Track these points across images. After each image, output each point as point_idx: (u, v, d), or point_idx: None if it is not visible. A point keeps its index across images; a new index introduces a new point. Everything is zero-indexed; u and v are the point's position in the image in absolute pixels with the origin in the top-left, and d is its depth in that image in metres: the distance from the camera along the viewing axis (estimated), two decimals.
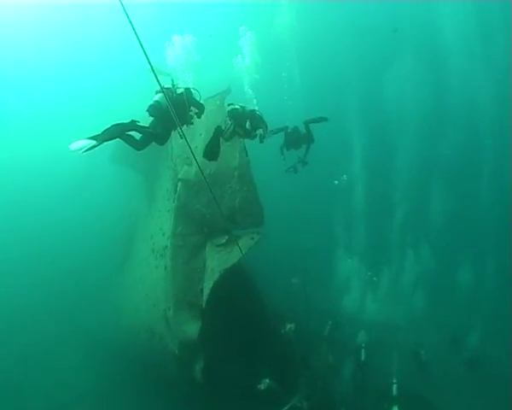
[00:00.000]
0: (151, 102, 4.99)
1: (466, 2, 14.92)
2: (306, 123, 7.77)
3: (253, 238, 7.16)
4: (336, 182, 15.27)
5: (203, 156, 6.37)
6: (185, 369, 7.11)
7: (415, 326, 11.20)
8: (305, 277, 11.38)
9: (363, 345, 9.79)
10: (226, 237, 7.24)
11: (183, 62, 5.47)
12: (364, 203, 15.47)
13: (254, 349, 7.69)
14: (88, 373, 10.97)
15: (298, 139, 7.73)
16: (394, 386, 8.53)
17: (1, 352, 11.41)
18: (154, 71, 3.24)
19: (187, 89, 5.33)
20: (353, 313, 11.45)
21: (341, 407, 8.28)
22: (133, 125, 4.75)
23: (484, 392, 9.29)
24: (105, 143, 4.38)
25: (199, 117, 5.69)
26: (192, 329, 6.88)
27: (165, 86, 5.01)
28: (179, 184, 7.46)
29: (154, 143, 5.19)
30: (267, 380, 6.73)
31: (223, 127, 6.34)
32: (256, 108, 6.55)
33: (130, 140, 4.85)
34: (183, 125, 5.30)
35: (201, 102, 5.58)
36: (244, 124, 6.33)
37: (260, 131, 6.61)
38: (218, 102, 7.80)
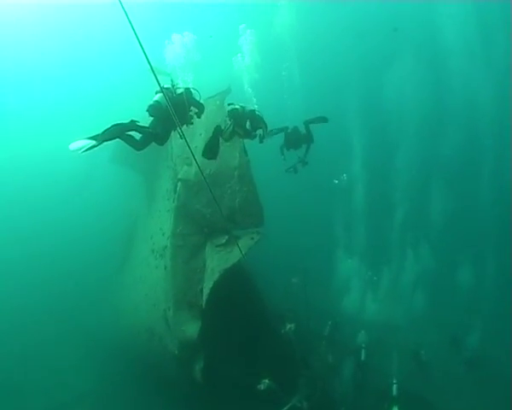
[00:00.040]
0: (151, 102, 4.98)
1: (466, 3, 14.92)
2: (306, 123, 7.76)
3: (252, 238, 7.16)
4: (336, 181, 15.27)
5: (202, 155, 6.37)
6: (185, 369, 7.10)
7: (415, 326, 11.19)
8: (305, 277, 11.38)
9: (363, 345, 9.80)
10: (226, 237, 7.24)
11: (183, 61, 5.47)
12: (364, 203, 15.46)
13: (254, 349, 7.69)
14: (88, 373, 10.96)
15: (298, 139, 7.72)
16: (394, 386, 8.53)
17: (1, 352, 11.41)
18: (153, 71, 3.24)
19: (187, 89, 5.33)
20: (353, 313, 11.44)
21: (341, 407, 8.28)
22: (133, 125, 4.75)
23: (484, 392, 9.29)
24: (105, 143, 4.38)
25: (199, 117, 5.69)
26: (192, 329, 6.88)
27: (165, 86, 5.01)
28: (179, 184, 7.46)
29: (153, 143, 5.19)
30: (267, 380, 6.72)
31: (222, 127, 6.34)
32: (256, 108, 6.55)
33: (129, 140, 4.85)
34: (182, 125, 5.30)
35: (201, 101, 5.58)
36: (244, 124, 6.33)
37: (260, 131, 6.61)
38: (217, 102, 7.79)
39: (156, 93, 5.03)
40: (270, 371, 6.98)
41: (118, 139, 4.62)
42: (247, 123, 6.37)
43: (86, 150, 4.20)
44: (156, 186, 9.81)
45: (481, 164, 15.86)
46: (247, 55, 6.99)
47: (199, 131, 7.22)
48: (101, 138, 4.32)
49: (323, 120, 7.79)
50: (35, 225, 17.30)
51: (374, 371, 9.44)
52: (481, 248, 14.06)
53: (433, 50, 16.47)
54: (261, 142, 6.80)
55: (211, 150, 6.32)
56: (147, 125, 5.02)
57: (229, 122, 6.26)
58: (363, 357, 9.58)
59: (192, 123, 5.56)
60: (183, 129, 4.79)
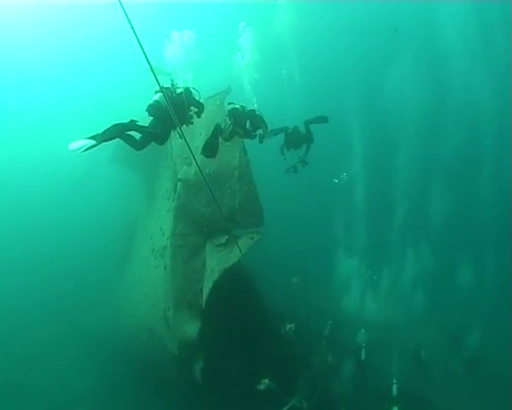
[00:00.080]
0: (150, 102, 4.99)
1: (466, 2, 14.92)
2: (306, 123, 7.76)
3: (252, 238, 7.15)
4: (336, 180, 15.27)
5: (201, 153, 6.37)
6: (185, 369, 7.10)
7: (415, 326, 11.19)
8: (305, 277, 11.38)
9: (363, 345, 9.79)
10: (226, 236, 7.23)
11: (183, 60, 5.47)
12: (364, 203, 15.46)
13: (254, 349, 7.69)
14: (88, 373, 10.96)
15: (298, 139, 7.72)
16: (394, 386, 8.52)
17: (1, 352, 11.41)
18: (153, 71, 3.24)
19: (186, 88, 5.33)
20: (353, 313, 11.44)
21: (341, 407, 8.27)
22: (133, 125, 4.75)
23: (484, 392, 9.29)
24: (104, 143, 4.39)
25: (198, 117, 5.69)
26: (191, 329, 6.87)
27: (165, 86, 5.01)
28: (179, 183, 7.45)
29: (153, 143, 5.19)
30: (267, 380, 6.72)
31: (222, 126, 6.34)
32: (256, 108, 6.55)
33: (129, 140, 4.85)
34: (182, 124, 5.30)
35: (201, 101, 5.58)
36: (244, 124, 6.33)
37: (260, 131, 6.61)
38: (217, 102, 7.79)
39: (156, 93, 5.03)
40: (269, 371, 6.97)
41: (117, 139, 4.62)
42: (248, 123, 6.38)
43: (85, 150, 4.21)
44: (156, 186, 9.81)
45: (481, 164, 15.85)
46: (247, 54, 6.99)
47: (199, 131, 7.21)
48: (101, 138, 4.33)
49: (323, 120, 7.79)
50: (35, 225, 17.29)
51: (374, 371, 9.44)
52: (481, 248, 14.06)
53: (433, 50, 16.47)
54: (261, 142, 6.80)
55: (210, 149, 6.32)
56: (146, 124, 5.02)
57: (229, 122, 6.26)
58: (363, 357, 9.58)
59: (192, 123, 5.57)
60: (182, 129, 4.79)
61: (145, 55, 3.02)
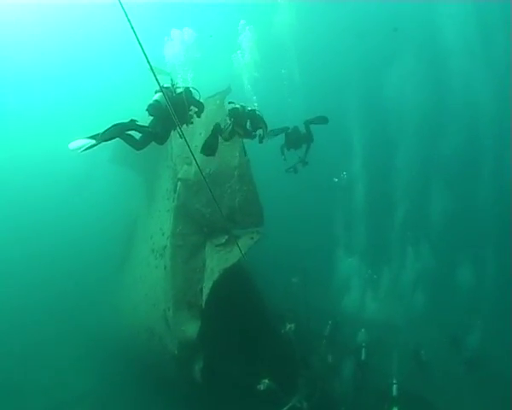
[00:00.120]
0: (150, 102, 4.99)
1: (466, 2, 14.92)
2: (307, 123, 7.76)
3: (252, 238, 7.15)
4: (336, 179, 15.26)
5: (200, 152, 6.37)
6: (184, 369, 7.09)
7: (415, 326, 11.19)
8: (305, 277, 11.38)
9: (363, 344, 9.79)
10: (226, 236, 7.23)
11: (183, 59, 5.47)
12: (364, 202, 15.46)
13: (254, 349, 7.68)
14: (88, 373, 10.96)
15: (298, 139, 7.72)
16: (394, 387, 8.52)
17: (1, 351, 11.41)
18: (153, 70, 3.24)
19: (186, 88, 5.33)
20: (353, 313, 11.44)
21: (341, 407, 8.27)
22: (133, 125, 4.75)
23: (484, 392, 9.29)
24: (104, 142, 4.39)
25: (199, 116, 5.69)
26: (191, 329, 6.87)
27: (165, 86, 5.01)
28: (179, 183, 7.45)
29: (153, 142, 5.19)
30: (266, 380, 6.71)
31: (222, 126, 6.34)
32: (256, 108, 6.55)
33: (129, 140, 4.85)
34: (182, 124, 5.30)
35: (201, 101, 5.58)
36: (244, 124, 6.33)
37: (260, 131, 6.61)
38: (217, 102, 7.79)
39: (156, 92, 5.03)
40: (269, 371, 6.97)
41: (118, 139, 4.63)
42: (248, 123, 6.37)
43: (85, 150, 4.21)
44: (156, 186, 9.81)
45: (481, 164, 15.86)
46: (247, 52, 6.99)
47: (199, 131, 7.21)
48: (101, 138, 4.33)
49: (324, 120, 7.78)
50: (35, 225, 17.30)
51: (374, 371, 9.43)
52: (481, 248, 14.06)
53: (433, 50, 16.47)
54: (260, 142, 6.80)
55: (209, 147, 6.31)
56: (146, 124, 5.02)
57: (229, 121, 6.26)
58: (363, 357, 9.57)
59: (192, 122, 5.57)
60: (182, 128, 4.79)
61: (145, 54, 3.02)
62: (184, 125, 5.40)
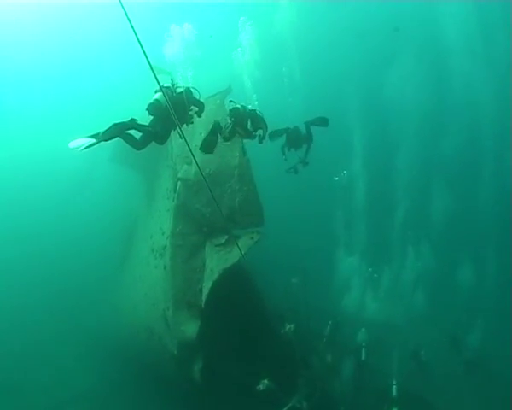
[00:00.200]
0: (151, 101, 4.98)
1: (467, 2, 14.91)
2: (307, 124, 7.74)
3: (252, 238, 7.14)
4: (336, 178, 15.24)
5: (199, 149, 6.36)
6: (184, 369, 7.09)
7: (415, 326, 11.18)
8: (305, 277, 11.37)
9: (363, 344, 9.78)
10: (226, 236, 7.22)
11: (183, 57, 5.45)
12: (365, 202, 15.46)
13: (253, 349, 7.67)
14: (87, 372, 10.96)
15: (298, 139, 7.71)
16: (394, 387, 8.50)
17: (1, 351, 11.41)
18: (153, 70, 3.23)
19: (187, 88, 5.32)
20: (353, 313, 11.43)
21: (341, 407, 8.26)
22: (133, 124, 4.74)
23: (484, 392, 9.28)
24: (104, 142, 4.38)
25: (199, 116, 5.68)
26: (191, 329, 6.86)
27: (165, 85, 5.00)
28: (179, 183, 7.44)
29: (153, 142, 5.18)
30: (266, 381, 6.70)
31: (222, 125, 6.33)
32: (257, 108, 6.54)
33: (129, 139, 4.85)
34: (182, 124, 5.30)
35: (201, 100, 5.57)
36: (245, 124, 6.32)
37: (260, 131, 6.60)
38: (218, 102, 7.78)
39: (156, 92, 5.02)
40: (269, 371, 6.96)
41: (118, 139, 4.62)
42: (249, 123, 6.37)
43: (85, 148, 4.21)
44: (156, 185, 9.80)
45: (482, 163, 15.85)
46: (248, 49, 6.98)
47: (199, 131, 7.20)
48: (102, 137, 4.33)
49: (324, 122, 7.76)
50: (35, 224, 17.31)
51: (374, 370, 9.43)
52: (482, 248, 14.06)
53: (433, 50, 16.47)
54: (260, 142, 6.79)
55: (208, 145, 6.31)
56: (147, 123, 5.01)
57: (230, 121, 6.26)
58: (363, 356, 9.56)
59: (192, 122, 5.56)
60: (182, 128, 4.79)
61: (145, 54, 3.01)
62: (184, 125, 5.39)
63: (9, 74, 19.37)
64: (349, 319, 10.98)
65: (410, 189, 14.91)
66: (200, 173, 5.29)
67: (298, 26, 12.40)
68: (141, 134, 4.96)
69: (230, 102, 6.38)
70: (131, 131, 4.83)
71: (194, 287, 7.11)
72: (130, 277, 10.19)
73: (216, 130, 6.27)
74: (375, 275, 13.17)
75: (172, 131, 5.25)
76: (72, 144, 4.23)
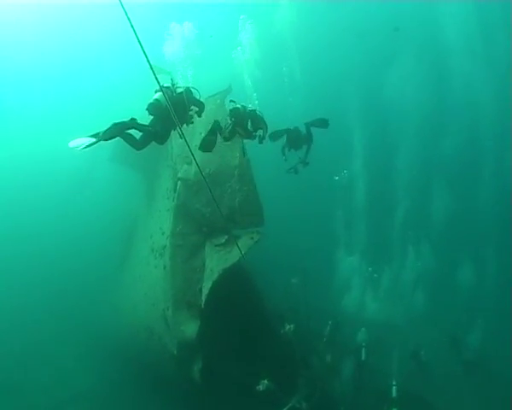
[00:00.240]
0: (151, 101, 4.98)
1: (467, 2, 14.90)
2: (307, 125, 7.74)
3: (252, 238, 7.13)
4: (337, 178, 15.24)
5: (198, 148, 6.36)
6: (183, 369, 7.08)
7: (415, 326, 11.18)
8: (305, 277, 11.36)
9: (363, 344, 9.78)
10: (226, 236, 7.22)
11: (183, 55, 5.45)
12: (365, 202, 15.46)
13: (253, 350, 7.67)
14: (87, 372, 10.96)
15: (298, 139, 7.71)
16: (394, 388, 8.50)
17: (1, 350, 11.42)
18: (153, 70, 3.23)
19: (187, 88, 5.32)
20: (354, 313, 11.43)
21: (341, 407, 8.26)
22: (133, 124, 4.74)
23: (484, 392, 9.28)
24: (104, 141, 4.38)
25: (199, 116, 5.69)
26: (191, 329, 6.86)
27: (165, 85, 5.00)
28: (179, 183, 7.44)
29: (153, 142, 5.18)
30: (266, 381, 6.69)
31: (222, 125, 6.33)
32: (257, 108, 6.54)
33: (129, 139, 4.84)
34: (182, 124, 5.29)
35: (201, 100, 5.57)
36: (246, 124, 6.32)
37: (260, 132, 6.60)
38: (218, 101, 7.78)
39: (156, 92, 5.02)
40: (269, 371, 6.96)
41: (118, 138, 4.62)
42: (249, 123, 6.36)
43: (85, 148, 4.21)
44: (156, 185, 9.80)
45: (482, 163, 15.86)
46: (248, 48, 6.97)
47: (199, 130, 7.20)
48: (102, 137, 4.33)
49: (324, 124, 7.76)
50: (35, 224, 17.31)
51: (374, 370, 9.43)
52: (482, 248, 14.06)
53: (433, 50, 16.46)
54: (260, 142, 6.79)
55: (207, 144, 6.31)
56: (147, 123, 5.01)
57: (230, 121, 6.25)
58: (363, 356, 9.56)
59: (192, 122, 5.56)
60: (182, 128, 4.79)
61: (145, 54, 3.01)
62: (184, 125, 5.39)
63: (9, 74, 19.37)
64: (349, 319, 10.98)
65: (411, 189, 14.92)
66: (200, 173, 5.29)
67: (298, 26, 12.40)
68: (141, 134, 4.96)
69: (231, 101, 6.38)
70: (132, 132, 4.83)
71: (193, 287, 7.11)
72: (130, 276, 10.18)
73: (215, 129, 6.27)
74: (375, 275, 13.17)
75: (172, 131, 5.25)
76: (73, 144, 4.23)
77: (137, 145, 4.95)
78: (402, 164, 15.30)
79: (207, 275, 7.00)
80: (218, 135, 6.37)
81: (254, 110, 6.45)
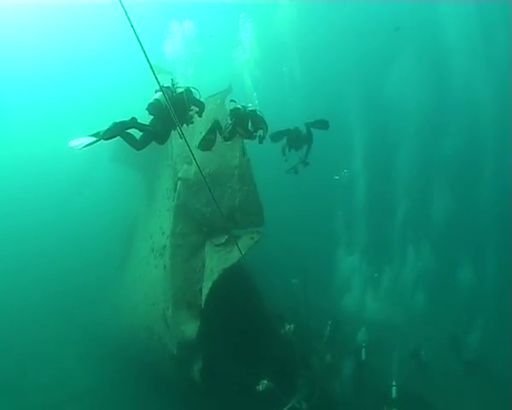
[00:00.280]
0: (151, 101, 4.97)
1: (467, 2, 14.90)
2: (308, 125, 7.74)
3: (252, 238, 7.13)
4: (337, 177, 15.23)
5: (197, 147, 6.36)
6: (183, 369, 7.08)
7: (415, 326, 11.17)
8: (305, 277, 11.36)
9: (363, 344, 9.77)
10: (226, 236, 7.22)
11: (183, 54, 5.45)
12: (365, 202, 15.46)
13: (253, 350, 7.67)
14: (87, 371, 10.96)
15: (299, 139, 7.71)
16: (394, 388, 8.49)
17: (0, 350, 11.41)
18: (153, 70, 3.22)
19: (187, 88, 5.32)
20: (354, 312, 11.43)
21: (341, 407, 8.26)
22: (133, 123, 4.74)
23: (484, 392, 9.28)
24: (105, 141, 4.38)
25: (200, 116, 5.68)
26: (190, 329, 6.85)
27: (165, 85, 4.99)
28: (179, 182, 7.44)
29: (154, 142, 5.18)
30: (265, 381, 6.69)
31: (222, 125, 6.33)
32: (257, 109, 6.53)
33: (130, 139, 4.84)
34: (182, 124, 5.29)
35: (202, 100, 5.57)
36: (246, 124, 6.32)
37: (261, 132, 6.60)
38: (218, 101, 7.78)
39: (156, 92, 5.02)
40: (269, 371, 6.95)
41: (118, 138, 4.62)
42: (249, 123, 6.36)
43: (85, 146, 4.21)
44: (156, 185, 9.80)
45: (482, 163, 15.86)
46: (248, 46, 6.97)
47: (199, 130, 7.19)
48: (102, 136, 4.33)
49: (324, 125, 7.76)
50: (35, 223, 17.31)
51: (374, 371, 9.42)
52: (482, 248, 14.06)
53: (434, 50, 16.46)
54: (261, 142, 6.79)
55: (206, 143, 6.31)
56: (147, 123, 5.01)
57: (230, 121, 6.25)
58: (363, 356, 9.56)
59: (192, 122, 5.56)
60: (182, 128, 4.78)
61: (145, 54, 3.01)
62: (184, 125, 5.39)
63: (9, 74, 19.37)
64: (349, 318, 10.97)
65: (411, 188, 14.92)
66: (200, 173, 5.29)
67: (298, 26, 12.40)
68: (141, 134, 4.95)
69: (231, 101, 6.38)
70: (132, 131, 4.83)
71: (193, 287, 7.11)
72: (130, 276, 10.18)
73: (215, 128, 6.27)
74: (376, 275, 13.16)
75: (172, 131, 5.25)
76: (73, 143, 4.23)
77: (137, 145, 4.95)
78: (402, 164, 15.30)
79: (207, 275, 6.99)
80: (218, 134, 6.37)
81: (255, 110, 6.44)
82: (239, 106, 6.27)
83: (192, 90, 5.38)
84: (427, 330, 11.47)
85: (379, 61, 17.62)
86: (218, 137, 6.46)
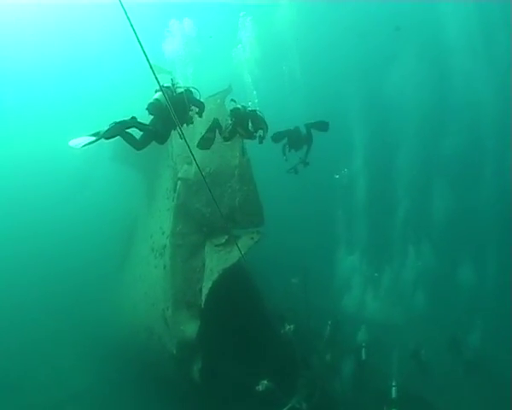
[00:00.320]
0: (151, 100, 4.96)
1: (468, 2, 14.89)
2: (308, 126, 7.73)
3: (252, 238, 7.13)
4: (337, 176, 15.22)
5: (197, 146, 6.36)
6: (183, 369, 7.08)
7: (415, 326, 11.17)
8: (305, 277, 11.36)
9: (363, 344, 9.77)
10: (226, 236, 7.21)
11: (183, 53, 5.44)
12: (366, 201, 15.46)
13: (253, 350, 7.67)
14: (86, 371, 10.97)
15: (299, 139, 7.70)
16: (393, 389, 8.49)
17: (0, 350, 11.42)
18: (153, 70, 3.22)
19: (187, 88, 5.31)
20: (354, 312, 11.42)
21: (341, 407, 8.25)
22: (134, 122, 4.74)
23: (484, 392, 9.27)
24: (105, 140, 4.38)
25: (200, 116, 5.68)
26: (190, 329, 6.85)
27: (165, 85, 4.98)
28: (179, 182, 7.44)
29: (154, 142, 5.17)
30: (265, 381, 6.68)
31: (222, 125, 6.32)
32: (257, 109, 6.53)
33: (130, 139, 4.83)
34: (182, 124, 5.28)
35: (202, 100, 5.56)
36: (246, 124, 6.31)
37: (261, 132, 6.59)
38: (218, 101, 7.77)
39: (156, 91, 5.01)
40: (269, 371, 6.95)
41: (118, 138, 4.61)
42: (249, 123, 6.35)
43: (85, 146, 4.21)
44: (156, 185, 9.80)
45: (483, 163, 15.85)
46: (248, 47, 6.97)
47: (199, 130, 7.19)
48: (103, 135, 4.32)
49: (324, 127, 7.74)
50: (35, 223, 17.31)
51: (374, 370, 9.42)
52: (482, 248, 14.06)
53: (434, 49, 16.45)
54: (261, 142, 6.78)
55: (205, 142, 6.30)
56: (147, 123, 5.00)
57: (230, 121, 6.25)
58: (363, 356, 9.55)
59: (192, 122, 5.55)
60: (182, 128, 4.78)
61: (145, 54, 3.00)
62: (184, 125, 5.38)
63: (9, 74, 19.37)
64: (349, 318, 10.97)
65: (411, 188, 14.91)
66: (200, 173, 5.29)
67: (298, 26, 12.39)
68: (141, 134, 4.95)
69: (231, 100, 6.37)
70: (132, 131, 4.82)
71: (193, 287, 7.11)
72: (130, 276, 10.18)
73: (214, 127, 6.26)
74: (376, 274, 13.16)
75: (173, 131, 5.25)
76: (73, 143, 4.23)
77: (137, 145, 4.94)
78: (402, 163, 15.30)
79: (207, 275, 6.99)
80: (217, 133, 6.36)
81: (255, 110, 6.44)
82: (239, 106, 6.26)
83: (192, 90, 5.38)
84: (427, 330, 11.45)
85: (379, 60, 17.60)
86: (218, 137, 6.45)
